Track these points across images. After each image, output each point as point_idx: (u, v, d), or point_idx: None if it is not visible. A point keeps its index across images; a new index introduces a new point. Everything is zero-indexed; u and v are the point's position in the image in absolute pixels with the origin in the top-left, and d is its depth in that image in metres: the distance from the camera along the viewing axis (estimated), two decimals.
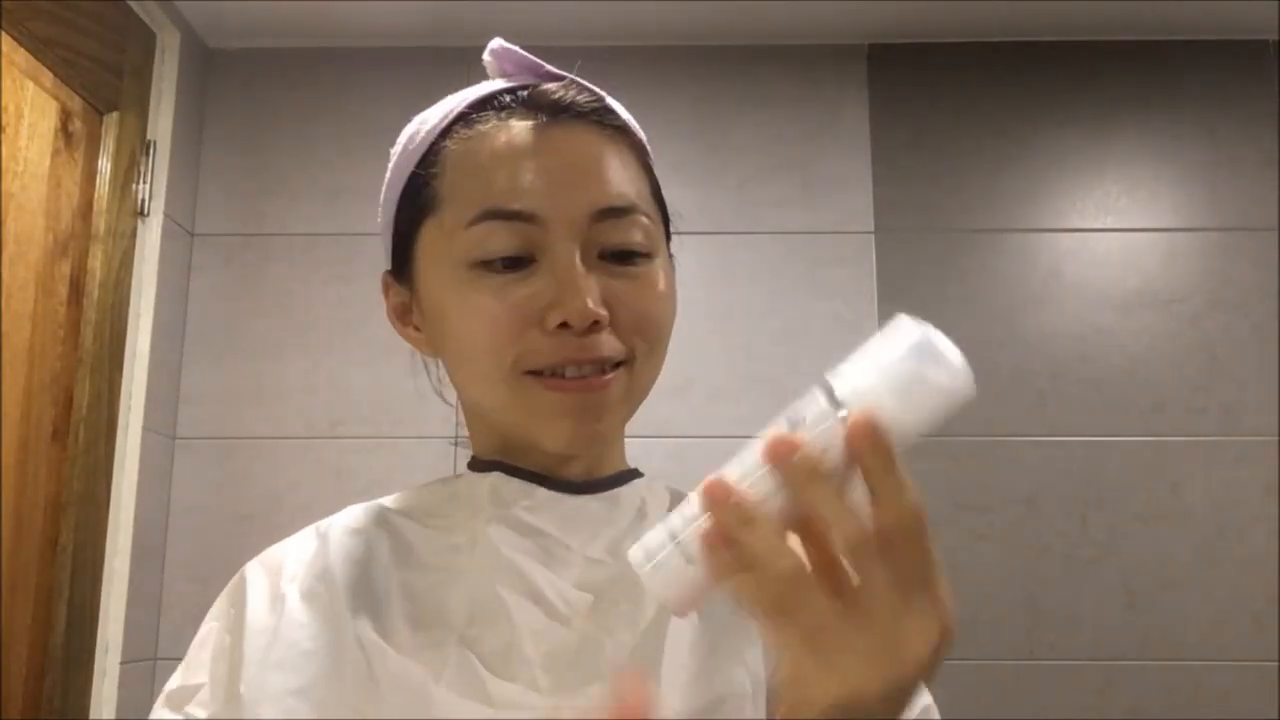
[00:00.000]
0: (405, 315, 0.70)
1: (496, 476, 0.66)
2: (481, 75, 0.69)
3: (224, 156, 1.91)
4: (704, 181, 1.84)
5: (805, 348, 1.82)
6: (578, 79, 0.67)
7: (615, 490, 0.67)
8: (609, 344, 0.61)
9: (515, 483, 0.65)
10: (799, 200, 1.87)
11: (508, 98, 0.66)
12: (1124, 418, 1.79)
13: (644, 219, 0.63)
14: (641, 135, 0.68)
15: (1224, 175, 1.88)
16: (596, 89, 0.67)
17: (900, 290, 1.84)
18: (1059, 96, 1.91)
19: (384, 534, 0.67)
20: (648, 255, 0.63)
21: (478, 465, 0.69)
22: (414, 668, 0.58)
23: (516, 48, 0.67)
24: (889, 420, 0.47)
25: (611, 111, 0.66)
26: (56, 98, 1.54)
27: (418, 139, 0.67)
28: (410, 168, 0.66)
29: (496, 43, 0.68)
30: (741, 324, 1.81)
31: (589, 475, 0.67)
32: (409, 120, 0.71)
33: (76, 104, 1.60)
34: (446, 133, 0.66)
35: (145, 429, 1.68)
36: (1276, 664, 1.70)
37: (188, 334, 1.84)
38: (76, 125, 1.60)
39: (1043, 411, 1.80)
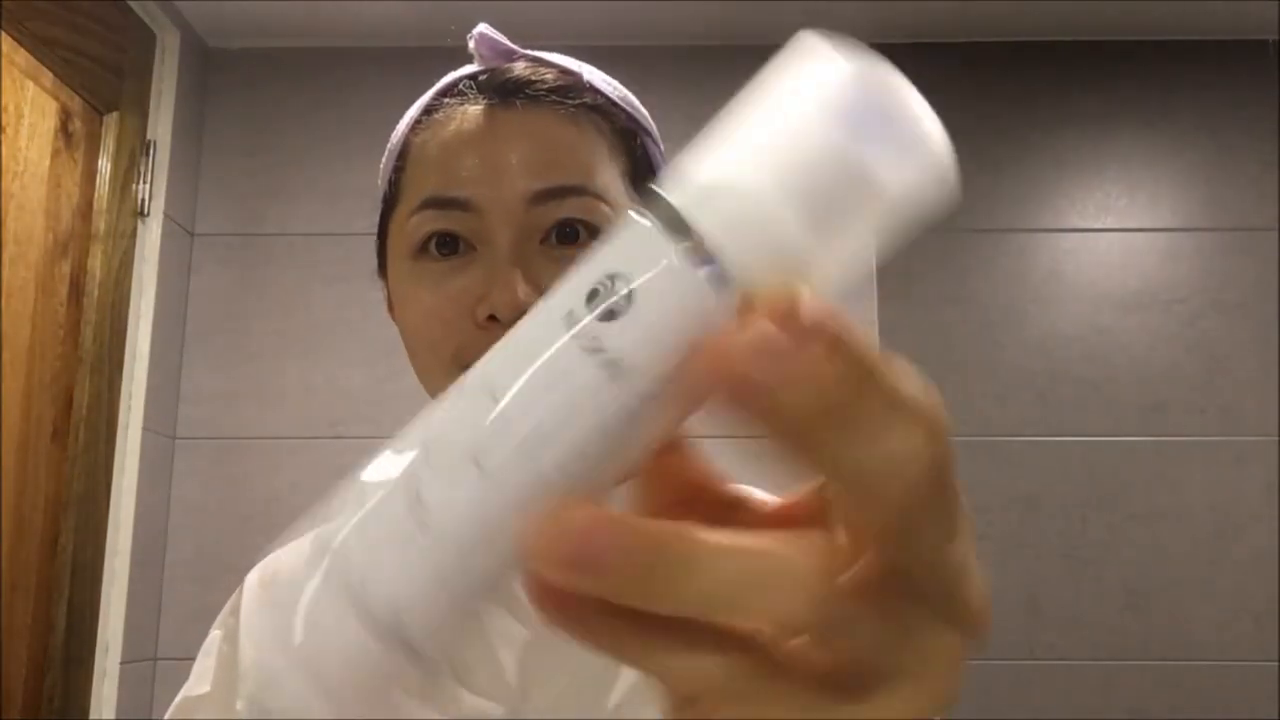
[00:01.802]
0: (390, 310, 0.69)
1: None
2: None
3: (224, 156, 1.91)
4: None
5: None
6: (554, 59, 0.64)
7: None
8: None
9: None
10: None
11: (467, 83, 0.64)
12: (1124, 418, 1.80)
13: (595, 201, 0.59)
14: (631, 113, 0.65)
15: (1224, 175, 1.88)
16: (572, 67, 0.64)
17: (900, 290, 1.84)
18: (1059, 96, 1.91)
19: None
20: (596, 234, 0.58)
21: None
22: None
23: (497, 34, 0.65)
24: (822, 275, 0.24)
25: (574, 90, 0.62)
26: (56, 98, 1.54)
27: (395, 135, 0.66)
28: (390, 163, 0.66)
29: (479, 28, 0.66)
30: None
31: None
32: None
33: (76, 104, 1.60)
34: (414, 125, 0.65)
35: (145, 429, 1.68)
36: (1276, 664, 1.70)
37: (188, 334, 1.84)
38: (76, 125, 1.60)
39: (1043, 411, 1.80)
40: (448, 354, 0.59)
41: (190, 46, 1.86)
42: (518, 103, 0.61)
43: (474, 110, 0.61)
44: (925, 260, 1.86)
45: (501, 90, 0.61)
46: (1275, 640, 1.71)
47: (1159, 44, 1.92)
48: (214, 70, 1.94)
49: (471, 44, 0.66)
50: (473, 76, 0.64)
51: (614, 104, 0.64)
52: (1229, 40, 1.90)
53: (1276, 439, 1.78)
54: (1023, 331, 1.83)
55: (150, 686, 1.69)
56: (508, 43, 0.65)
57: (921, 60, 1.94)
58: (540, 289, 0.56)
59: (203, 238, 1.87)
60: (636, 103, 0.67)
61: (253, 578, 0.67)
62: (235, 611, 0.65)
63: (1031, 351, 1.82)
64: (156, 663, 1.71)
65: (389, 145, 0.67)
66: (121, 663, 1.60)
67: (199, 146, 1.90)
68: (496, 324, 0.56)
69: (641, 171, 0.64)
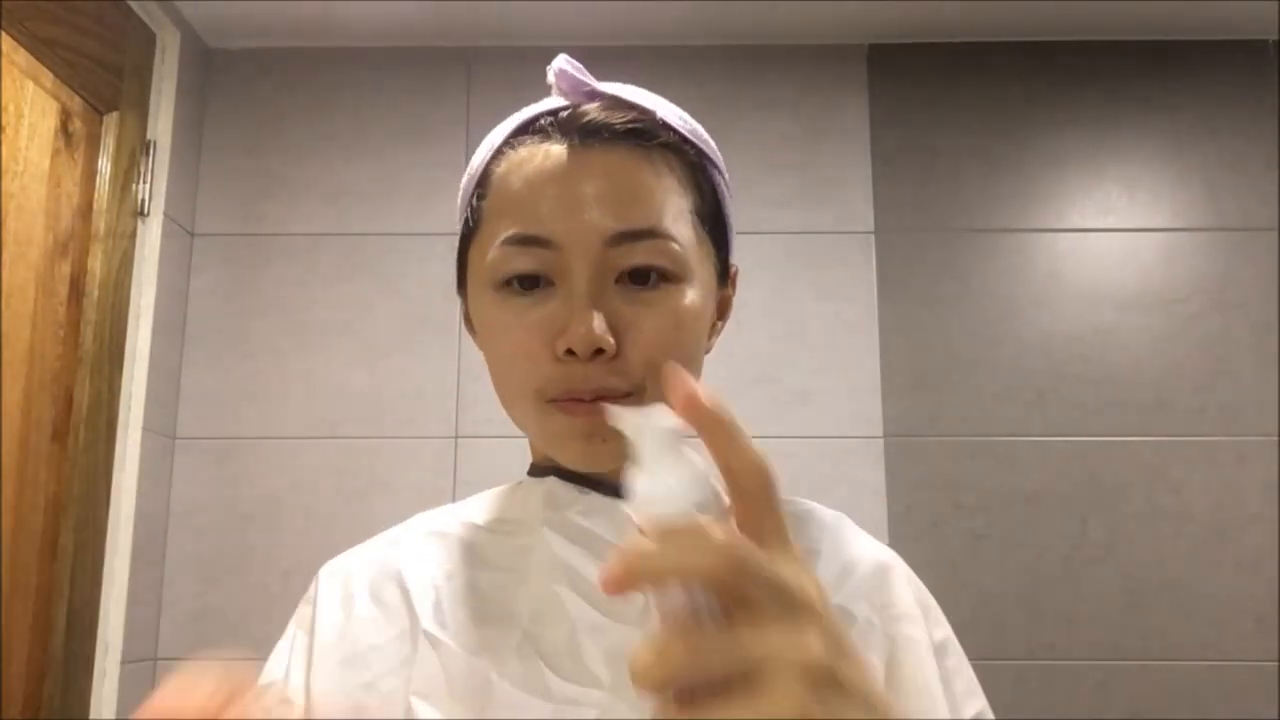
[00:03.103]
0: (469, 324, 0.72)
1: (552, 481, 0.68)
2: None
3: (224, 156, 1.91)
4: None
5: (805, 348, 1.82)
6: (626, 97, 0.67)
7: None
8: (615, 376, 0.61)
9: (569, 488, 0.67)
10: (799, 200, 1.87)
11: (548, 120, 0.66)
12: (1124, 418, 1.80)
13: (667, 242, 0.62)
14: (700, 147, 0.68)
15: (1224, 175, 1.88)
16: (647, 104, 0.67)
17: (900, 290, 1.84)
18: (1059, 96, 1.91)
19: (453, 538, 0.70)
20: (670, 278, 0.62)
21: (535, 471, 0.71)
22: (478, 663, 0.61)
23: (574, 68, 0.67)
24: None
25: (650, 131, 0.65)
26: (56, 98, 1.54)
27: (476, 159, 0.69)
28: (471, 187, 0.69)
29: (559, 63, 0.67)
30: (741, 324, 1.82)
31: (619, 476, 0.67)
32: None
33: (76, 104, 1.60)
34: (497, 154, 0.67)
35: (145, 429, 1.68)
36: (1276, 664, 1.70)
37: (188, 334, 1.84)
38: (76, 125, 1.60)
39: (1043, 411, 1.80)
40: (531, 388, 0.62)
41: (190, 46, 1.86)
42: (596, 144, 0.64)
43: (556, 150, 0.64)
44: (925, 260, 1.86)
45: (582, 131, 0.64)
46: (1275, 640, 1.71)
47: (1159, 44, 1.92)
48: (214, 70, 1.94)
49: (551, 77, 0.68)
50: (553, 113, 0.66)
51: (685, 140, 0.67)
52: (1229, 40, 1.90)
53: (1276, 439, 1.78)
54: (1023, 331, 1.83)
55: (150, 686, 1.69)
56: (588, 78, 0.68)
57: (922, 60, 1.96)
58: (615, 326, 0.60)
59: (203, 238, 1.87)
60: (705, 134, 0.70)
61: (326, 569, 0.70)
62: (310, 601, 0.68)
63: (1031, 351, 1.82)
64: (156, 663, 1.71)
65: (469, 170, 0.70)
66: (121, 663, 1.60)
67: (199, 146, 1.90)
68: (574, 358, 0.60)
69: (708, 203, 0.68)
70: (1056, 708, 1.69)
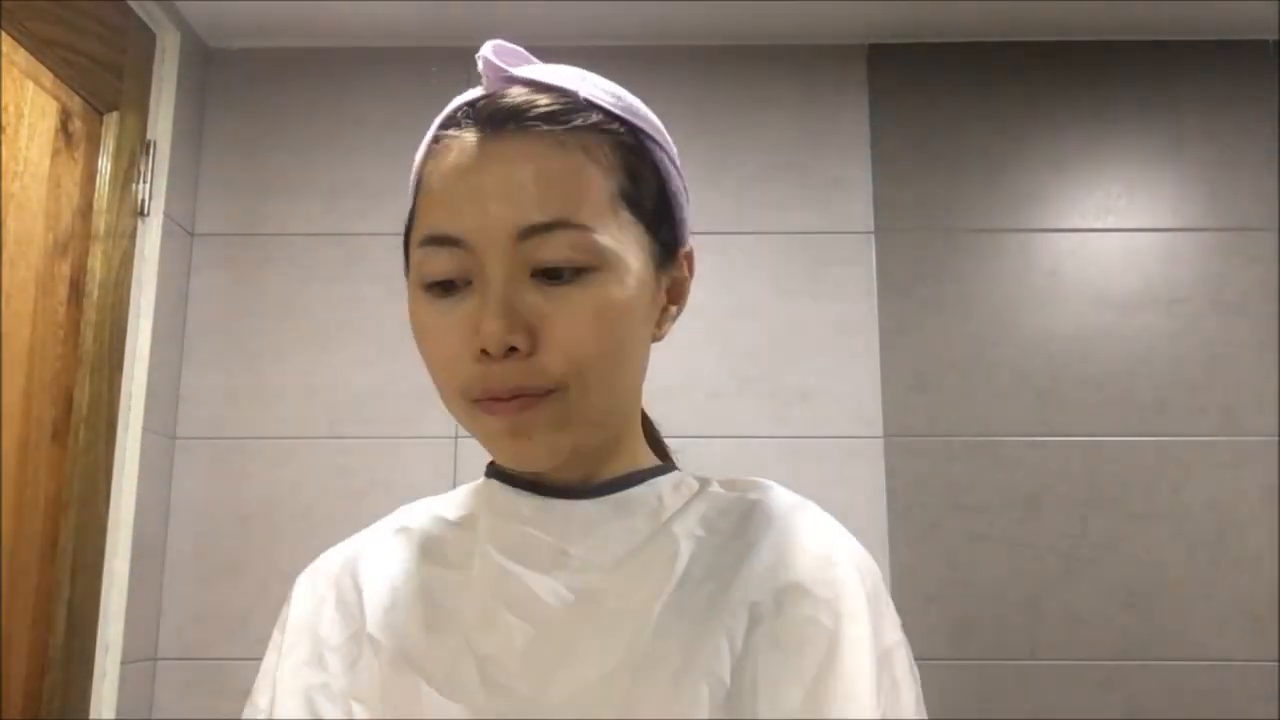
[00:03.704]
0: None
1: (494, 485, 0.68)
2: (479, 76, 0.69)
3: (224, 156, 1.91)
4: (704, 182, 1.84)
5: (805, 348, 1.82)
6: (552, 79, 0.64)
7: (624, 492, 0.67)
8: (532, 374, 0.60)
9: (508, 491, 0.67)
10: (799, 200, 1.87)
11: (465, 111, 0.65)
12: (1124, 418, 1.80)
13: (581, 233, 0.60)
14: (635, 124, 0.65)
15: (1224, 175, 1.88)
16: (569, 85, 0.64)
17: (900, 290, 1.84)
18: (1059, 96, 1.91)
19: (418, 533, 0.70)
20: (588, 269, 0.60)
21: (489, 469, 0.71)
22: (409, 669, 0.62)
23: (499, 55, 0.66)
24: None
25: (566, 113, 0.62)
26: (56, 98, 1.54)
27: (416, 160, 0.69)
28: (413, 185, 0.69)
29: (485, 50, 0.66)
30: (741, 324, 1.82)
31: (588, 479, 0.67)
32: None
33: (76, 104, 1.60)
34: (428, 150, 0.67)
35: (145, 429, 1.68)
36: (1276, 664, 1.70)
37: (188, 334, 1.84)
38: (76, 125, 1.60)
39: (1043, 411, 1.80)
40: (457, 389, 0.62)
41: (190, 46, 1.86)
42: (507, 133, 0.62)
43: (468, 142, 0.63)
44: (925, 260, 1.86)
45: (492, 120, 0.62)
46: (1275, 640, 1.71)
47: (1159, 44, 1.92)
48: (214, 70, 1.94)
49: (480, 66, 0.67)
50: (472, 104, 0.65)
51: (612, 118, 0.64)
52: (1229, 40, 1.90)
53: (1276, 439, 1.78)
54: (1023, 331, 1.83)
55: (150, 686, 1.69)
56: (510, 62, 0.66)
57: (922, 60, 1.96)
58: (530, 322, 0.59)
59: (203, 238, 1.87)
60: (641, 109, 0.67)
61: (308, 569, 0.72)
62: (288, 601, 0.70)
63: (1031, 351, 1.82)
64: (156, 663, 1.71)
65: (414, 168, 0.69)
66: (121, 663, 1.60)
67: (199, 146, 1.90)
68: (489, 358, 0.59)
69: (646, 183, 0.65)
70: (1056, 708, 1.69)
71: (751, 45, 1.93)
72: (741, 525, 0.66)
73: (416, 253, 0.63)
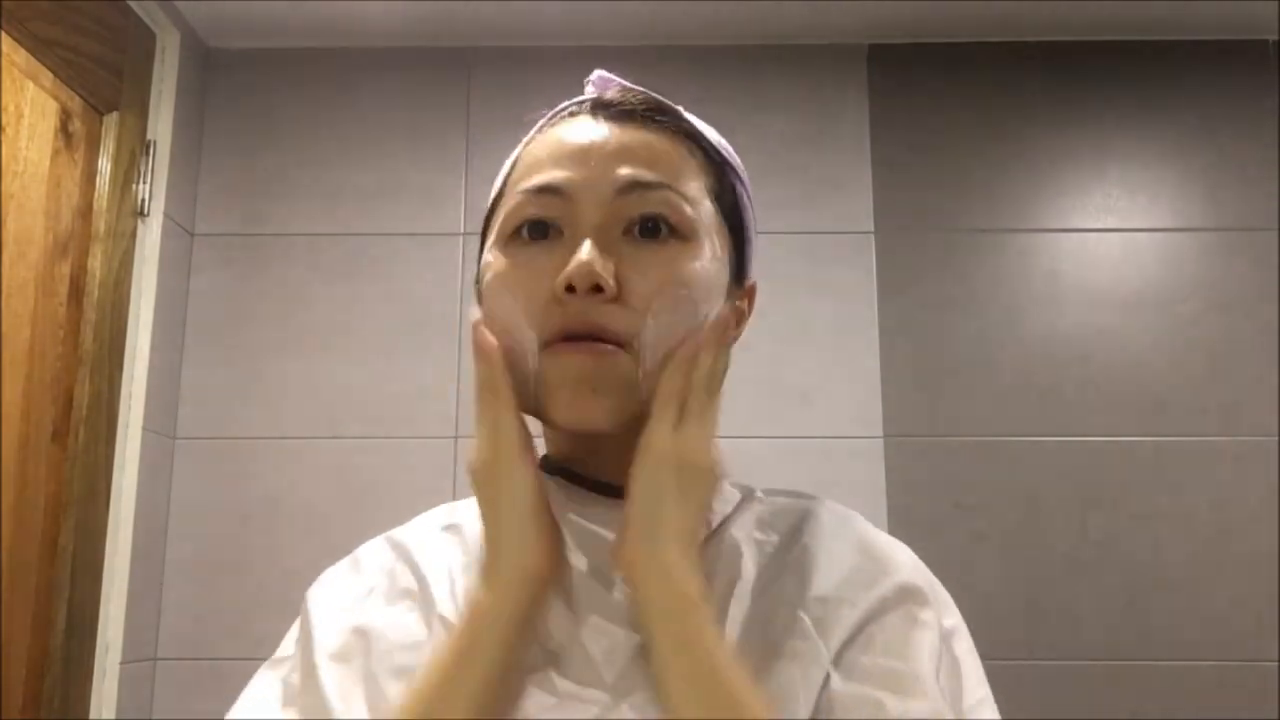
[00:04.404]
0: (479, 300, 0.69)
1: (555, 482, 0.67)
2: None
3: (224, 156, 1.91)
4: None
5: (805, 348, 1.82)
6: (651, 93, 0.68)
7: None
8: (614, 318, 0.59)
9: (572, 490, 0.67)
10: (799, 200, 1.87)
11: (573, 106, 0.68)
12: (1124, 418, 1.79)
13: (680, 198, 0.62)
14: (724, 153, 0.70)
15: (1224, 175, 1.88)
16: (675, 107, 0.68)
17: (900, 290, 1.84)
18: (1059, 96, 1.91)
19: (467, 532, 0.69)
20: (680, 235, 0.62)
21: (547, 466, 0.69)
22: None
23: (611, 75, 0.70)
24: None
25: (672, 113, 0.67)
26: (56, 98, 1.54)
27: (513, 154, 0.70)
28: (505, 171, 0.69)
29: (596, 72, 0.70)
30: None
31: None
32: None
33: (76, 104, 1.60)
34: (530, 140, 0.69)
35: (145, 429, 1.68)
36: (1276, 664, 1.70)
37: (188, 334, 1.84)
38: (76, 125, 1.60)
39: (1043, 411, 1.80)
40: (528, 333, 0.61)
41: (190, 46, 1.87)
42: (618, 114, 0.65)
43: (578, 119, 0.66)
44: (925, 260, 1.86)
45: (604, 106, 0.66)
46: (1275, 640, 1.71)
47: (1159, 44, 1.92)
48: (214, 70, 1.94)
49: (592, 78, 0.71)
50: (580, 101, 0.69)
51: (705, 136, 0.69)
52: (1229, 40, 1.90)
53: (1276, 439, 1.78)
54: (1023, 332, 1.83)
55: (150, 686, 1.69)
56: (616, 79, 0.71)
57: (922, 60, 1.96)
58: (619, 272, 0.60)
59: (203, 238, 1.87)
60: (729, 148, 0.71)
61: (337, 568, 0.70)
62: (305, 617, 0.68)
63: (1032, 352, 1.82)
64: (156, 663, 1.71)
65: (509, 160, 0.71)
66: (121, 663, 1.60)
67: (199, 146, 1.90)
68: (573, 296, 0.59)
69: (727, 199, 0.69)
70: (1057, 708, 1.69)
71: (752, 45, 1.93)
72: (798, 528, 0.67)
73: (510, 199, 0.64)
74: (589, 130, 0.64)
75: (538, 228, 0.62)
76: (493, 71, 1.90)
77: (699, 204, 0.64)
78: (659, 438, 0.59)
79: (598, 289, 0.58)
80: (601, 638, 0.61)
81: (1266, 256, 1.84)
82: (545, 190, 0.62)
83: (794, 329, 1.82)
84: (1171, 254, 1.86)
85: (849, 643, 0.60)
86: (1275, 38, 1.91)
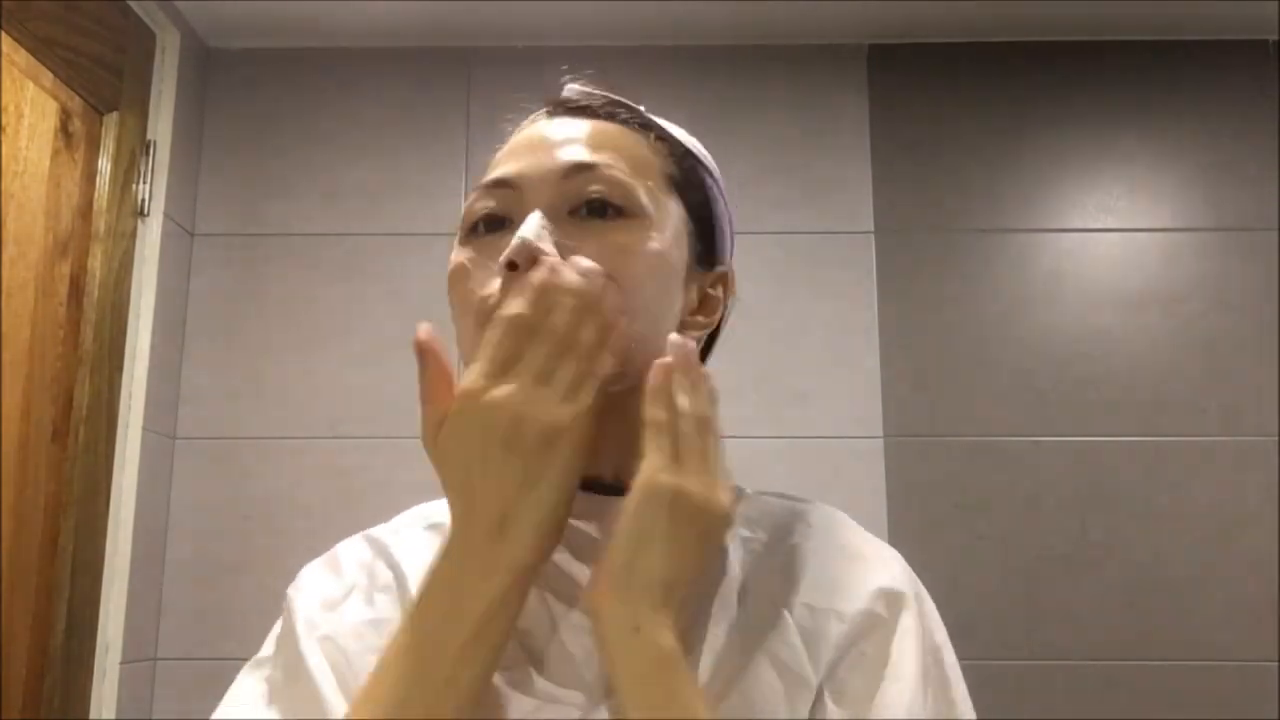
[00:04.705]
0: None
1: None
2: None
3: (224, 156, 1.91)
4: None
5: (805, 348, 1.82)
6: (618, 98, 0.70)
7: None
8: None
9: None
10: (799, 201, 1.87)
11: (537, 109, 0.71)
12: (1124, 418, 1.79)
13: (624, 178, 0.63)
14: (688, 148, 0.70)
15: (1224, 175, 1.88)
16: (628, 102, 0.70)
17: (900, 290, 1.84)
18: (1059, 96, 1.91)
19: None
20: (626, 213, 0.62)
21: None
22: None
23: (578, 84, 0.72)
24: None
25: (631, 112, 0.69)
26: (56, 98, 1.54)
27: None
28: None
29: (570, 87, 0.72)
30: (741, 324, 1.81)
31: (618, 476, 0.65)
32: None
33: (76, 104, 1.60)
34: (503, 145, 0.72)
35: (145, 429, 1.68)
36: (1276, 664, 1.70)
37: (188, 334, 1.84)
38: (76, 125, 1.60)
39: (1043, 411, 1.80)
40: (474, 311, 0.62)
41: (190, 46, 1.86)
42: (575, 111, 0.68)
43: (537, 120, 0.69)
44: (925, 260, 1.86)
45: (563, 104, 0.69)
46: (1275, 640, 1.71)
47: (1159, 44, 1.91)
48: (214, 70, 1.94)
49: (564, 90, 0.73)
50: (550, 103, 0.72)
51: (667, 130, 0.70)
52: (1229, 40, 1.90)
53: (1276, 439, 1.78)
54: (1023, 331, 1.83)
55: (150, 686, 1.69)
56: (588, 89, 0.72)
57: (922, 60, 1.95)
58: (562, 250, 0.60)
59: (203, 238, 1.87)
60: (699, 145, 0.72)
61: (319, 559, 0.70)
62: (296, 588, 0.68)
63: (1032, 351, 1.82)
64: (156, 663, 1.71)
65: None
66: (121, 663, 1.60)
67: (199, 146, 1.90)
68: (515, 271, 0.59)
69: (694, 190, 0.69)
70: (1056, 708, 1.69)
71: (751, 45, 1.93)
72: (787, 528, 0.66)
73: (466, 202, 0.66)
74: (542, 126, 0.67)
75: (492, 221, 0.64)
76: (493, 71, 1.90)
77: (648, 188, 0.64)
78: (652, 473, 0.55)
79: (536, 264, 0.58)
80: (582, 635, 0.60)
81: (1266, 256, 1.84)
82: (497, 185, 0.64)
83: (794, 329, 1.82)
84: (1171, 254, 1.86)
85: (838, 661, 0.59)
86: (1275, 38, 1.91)
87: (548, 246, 0.59)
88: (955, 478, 1.77)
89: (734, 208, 0.75)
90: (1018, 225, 1.87)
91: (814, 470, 1.76)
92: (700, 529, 0.56)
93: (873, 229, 1.87)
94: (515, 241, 0.59)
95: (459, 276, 0.64)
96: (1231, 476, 1.77)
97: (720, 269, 0.72)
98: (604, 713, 0.58)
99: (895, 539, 1.73)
